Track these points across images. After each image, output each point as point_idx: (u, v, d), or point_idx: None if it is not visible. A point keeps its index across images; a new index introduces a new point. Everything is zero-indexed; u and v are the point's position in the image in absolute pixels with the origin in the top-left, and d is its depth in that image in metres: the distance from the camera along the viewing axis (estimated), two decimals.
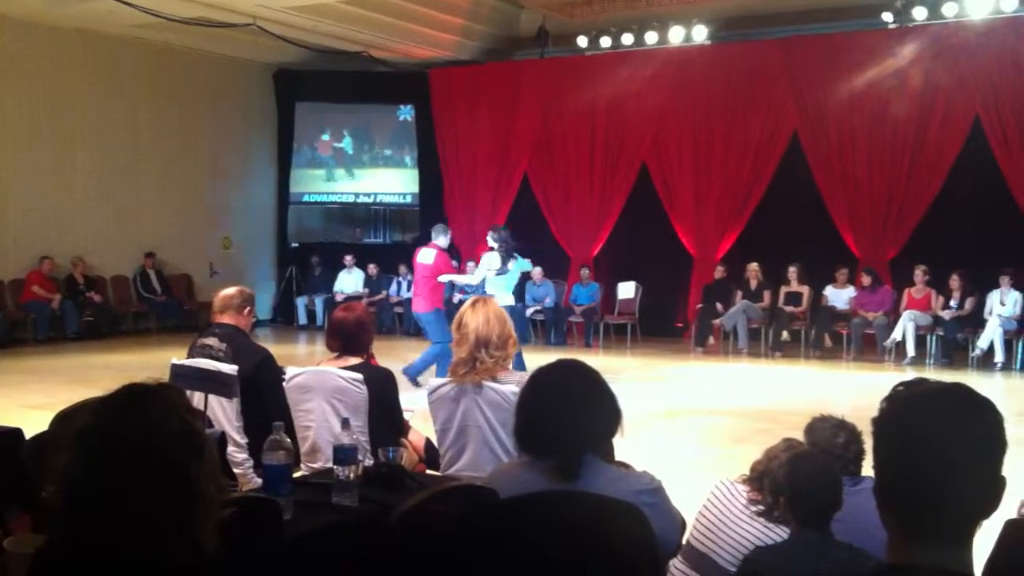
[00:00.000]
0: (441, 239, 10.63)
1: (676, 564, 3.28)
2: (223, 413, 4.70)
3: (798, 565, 2.96)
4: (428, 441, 4.61)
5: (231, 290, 5.08)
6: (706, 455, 7.26)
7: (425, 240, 11.02)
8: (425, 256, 10.46)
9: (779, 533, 3.42)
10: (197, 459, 1.75)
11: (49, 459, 2.30)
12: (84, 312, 14.61)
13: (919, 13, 13.38)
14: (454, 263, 12.23)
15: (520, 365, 9.42)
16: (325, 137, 17.98)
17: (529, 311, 15.02)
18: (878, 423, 1.65)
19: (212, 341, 4.85)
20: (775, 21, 14.58)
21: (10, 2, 12.92)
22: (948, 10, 13.22)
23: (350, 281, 16.63)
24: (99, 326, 14.75)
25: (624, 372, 11.57)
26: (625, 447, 2.96)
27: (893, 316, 13.02)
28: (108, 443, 1.72)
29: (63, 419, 3.42)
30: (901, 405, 1.63)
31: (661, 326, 15.26)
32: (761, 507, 3.44)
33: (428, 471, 4.41)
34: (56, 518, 1.74)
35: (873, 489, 1.65)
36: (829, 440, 3.45)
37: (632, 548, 2.41)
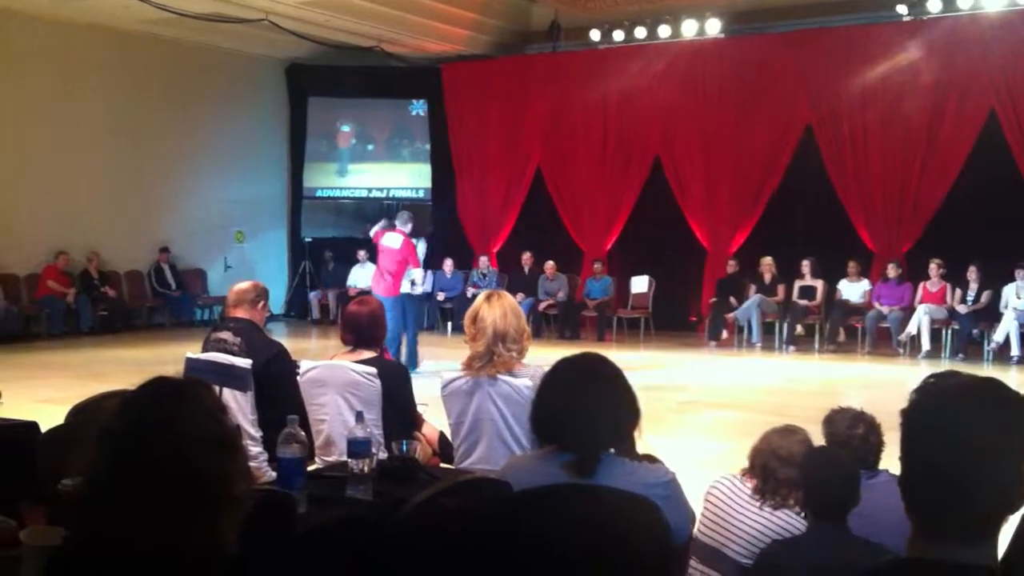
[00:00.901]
0: (408, 225, 10.75)
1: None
2: (237, 407, 4.71)
3: (815, 558, 2.95)
4: (442, 434, 4.61)
5: (245, 284, 5.09)
6: (718, 449, 7.25)
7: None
8: (392, 240, 10.58)
9: (789, 520, 3.42)
10: (229, 458, 1.71)
11: (69, 452, 2.30)
12: (98, 307, 14.67)
13: (934, 5, 13.29)
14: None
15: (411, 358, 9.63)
16: (338, 132, 17.99)
17: (542, 305, 15.02)
18: (907, 414, 1.63)
19: (226, 335, 4.86)
20: (788, 14, 14.51)
21: None
22: (963, 2, 13.14)
23: (363, 275, 16.61)
24: (113, 321, 14.80)
25: (637, 366, 11.55)
26: (637, 441, 2.95)
27: (907, 310, 12.97)
28: (137, 441, 1.68)
29: (78, 412, 3.44)
30: (932, 397, 1.62)
31: (674, 320, 15.23)
32: (762, 495, 3.44)
33: (442, 464, 4.40)
34: (77, 512, 1.72)
35: (898, 481, 1.64)
36: (847, 431, 3.44)
37: (645, 541, 2.40)
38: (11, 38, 13.86)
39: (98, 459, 1.68)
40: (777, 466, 3.46)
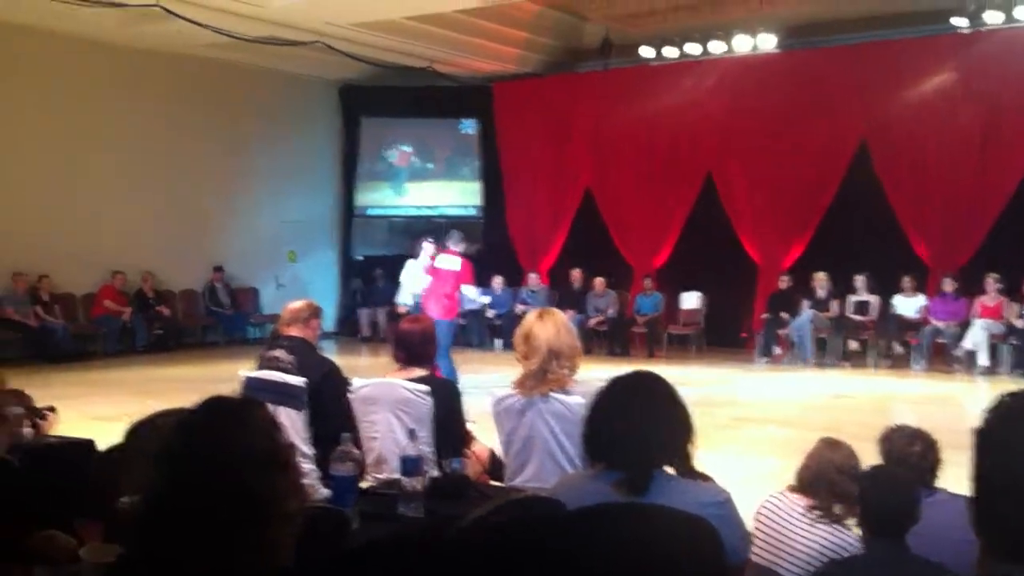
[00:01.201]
0: (460, 245, 10.70)
1: None
2: (291, 425, 4.74)
3: None
4: (492, 452, 4.60)
5: (299, 303, 5.13)
6: (770, 466, 7.16)
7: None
8: (450, 263, 10.50)
9: (843, 536, 3.38)
10: (282, 477, 1.73)
11: (126, 470, 2.33)
12: (153, 325, 14.89)
13: (991, 17, 13.09)
14: None
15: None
16: (390, 151, 18.13)
17: (591, 322, 14.97)
18: (981, 433, 1.59)
19: (280, 353, 4.90)
20: (842, 29, 14.37)
21: (85, 24, 13.24)
22: (1021, 13, 12.92)
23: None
24: (168, 339, 15.02)
25: (688, 383, 11.46)
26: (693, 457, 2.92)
27: (963, 325, 12.74)
28: (192, 461, 1.70)
29: (135, 430, 3.48)
30: (1006, 416, 1.58)
31: (725, 336, 15.10)
32: (820, 512, 3.40)
33: (492, 482, 4.40)
34: (132, 530, 1.73)
35: (969, 500, 1.61)
36: (904, 449, 3.39)
37: (699, 561, 2.37)
38: (72, 64, 14.19)
39: (154, 478, 1.71)
40: (841, 480, 3.42)
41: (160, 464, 1.72)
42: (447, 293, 10.42)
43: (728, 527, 2.51)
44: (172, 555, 1.65)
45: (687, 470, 2.72)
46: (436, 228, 18.24)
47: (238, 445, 1.71)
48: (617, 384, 2.74)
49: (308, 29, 13.93)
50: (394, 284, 16.77)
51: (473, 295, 11.44)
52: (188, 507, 1.67)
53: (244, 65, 15.92)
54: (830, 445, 3.56)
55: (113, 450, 3.42)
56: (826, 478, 3.45)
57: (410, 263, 11.69)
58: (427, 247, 11.18)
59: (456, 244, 10.72)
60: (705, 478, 2.94)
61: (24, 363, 12.51)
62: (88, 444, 4.09)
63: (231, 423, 1.75)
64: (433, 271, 10.66)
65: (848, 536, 3.42)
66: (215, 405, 1.81)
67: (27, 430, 4.13)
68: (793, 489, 3.57)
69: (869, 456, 3.41)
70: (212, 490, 1.67)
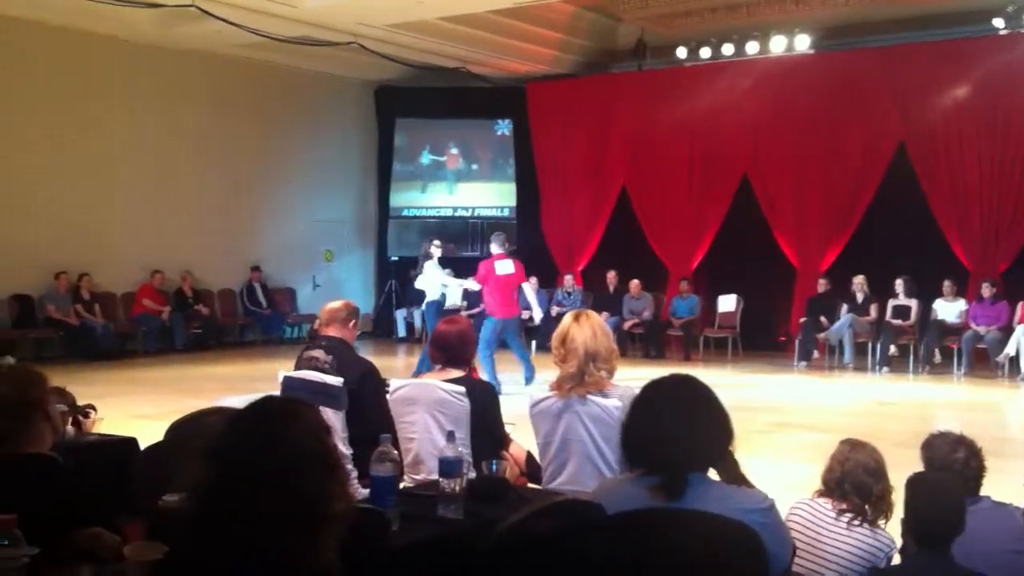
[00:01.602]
0: (505, 246, 11.07)
1: None
2: (330, 424, 4.76)
3: None
4: (529, 454, 4.59)
5: (337, 303, 5.15)
6: (810, 473, 7.08)
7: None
8: (507, 267, 10.87)
9: (882, 538, 3.35)
10: (330, 478, 1.74)
11: (169, 468, 2.34)
12: (192, 324, 15.02)
13: None
14: None
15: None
16: (425, 152, 18.18)
17: (627, 324, 14.92)
18: None
19: (318, 353, 4.93)
20: (879, 29, 14.25)
21: (122, 24, 13.39)
22: None
23: (448, 294, 16.70)
24: (206, 338, 15.16)
25: (724, 387, 11.38)
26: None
27: (1005, 331, 12.57)
28: (244, 460, 1.71)
29: (177, 429, 3.51)
30: None
31: (763, 340, 15.00)
32: (851, 514, 3.37)
33: (529, 484, 4.39)
34: (182, 527, 1.75)
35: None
36: (947, 456, 3.34)
37: (740, 567, 2.35)
38: (111, 65, 14.35)
39: (204, 475, 1.72)
40: (872, 482, 3.40)
41: (211, 461, 1.73)
42: (509, 296, 10.89)
43: (772, 535, 2.48)
44: (220, 553, 1.66)
45: (732, 475, 2.69)
46: (471, 229, 18.35)
47: (289, 445, 1.72)
48: (654, 387, 2.72)
49: (342, 30, 14.00)
50: None
51: (532, 297, 11.90)
52: (237, 504, 1.68)
53: (280, 65, 16.03)
54: (854, 446, 3.54)
55: (156, 448, 3.45)
56: (853, 479, 3.42)
57: (429, 267, 11.82)
58: (435, 250, 11.79)
59: (502, 246, 10.99)
60: (749, 484, 2.92)
61: (65, 361, 12.70)
62: (131, 442, 4.12)
63: (282, 423, 1.76)
64: (495, 279, 10.90)
65: (884, 537, 3.39)
66: (266, 405, 1.82)
67: (69, 428, 4.17)
68: (820, 494, 3.54)
69: (912, 463, 3.36)
70: (262, 488, 1.68)
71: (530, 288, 11.98)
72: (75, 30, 13.65)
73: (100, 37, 14.00)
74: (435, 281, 11.82)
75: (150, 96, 14.83)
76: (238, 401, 2.26)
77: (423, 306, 11.96)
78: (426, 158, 18.22)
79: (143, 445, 3.88)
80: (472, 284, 11.86)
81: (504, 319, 10.87)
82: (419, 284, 12.06)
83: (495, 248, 11.01)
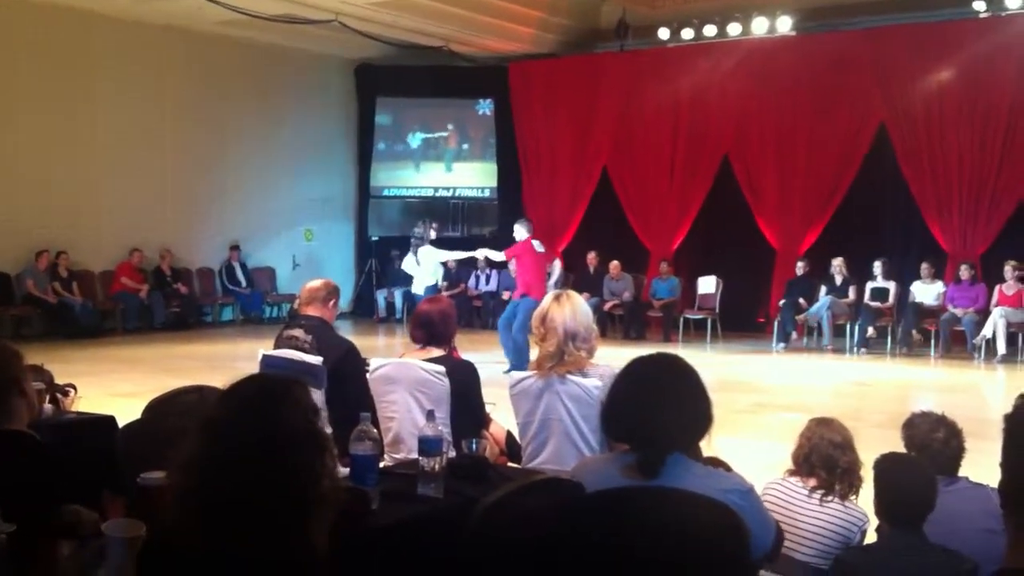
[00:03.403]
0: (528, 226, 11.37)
1: None
2: None
3: (890, 567, 2.90)
4: (509, 434, 4.61)
5: (317, 282, 5.13)
6: (788, 453, 7.13)
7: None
8: (541, 246, 11.34)
9: (854, 512, 3.39)
10: (320, 459, 1.73)
11: (149, 446, 2.34)
12: (171, 303, 14.96)
13: (1012, 1, 12.97)
14: None
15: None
16: (406, 131, 18.11)
17: (607, 305, 14.95)
18: (1012, 419, 1.57)
19: (298, 332, 4.92)
20: (861, 11, 14.27)
21: (104, 1, 13.26)
22: None
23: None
24: (185, 317, 15.10)
25: (704, 368, 11.42)
26: (705, 447, 2.90)
27: (982, 313, 12.68)
28: (237, 437, 1.70)
29: (155, 407, 3.50)
30: None
31: (742, 321, 15.06)
32: (823, 490, 3.41)
33: (510, 464, 4.40)
34: (170, 503, 1.73)
35: (999, 487, 1.58)
36: (927, 436, 3.38)
37: (721, 545, 2.36)
38: (89, 39, 14.21)
39: (198, 449, 1.71)
40: (838, 455, 3.44)
41: (203, 436, 1.72)
42: (545, 275, 11.35)
43: (750, 517, 2.48)
44: (208, 531, 1.66)
45: (697, 458, 2.70)
46: (453, 210, 18.32)
47: (280, 423, 1.72)
48: (636, 365, 2.72)
49: (324, 8, 13.91)
50: None
51: (558, 275, 12.81)
52: (228, 481, 1.67)
53: (261, 43, 15.92)
54: (821, 423, 3.58)
55: (135, 426, 3.44)
56: (819, 453, 3.47)
57: (427, 250, 11.90)
58: (432, 232, 12.24)
59: (528, 231, 11.21)
60: (725, 467, 2.93)
61: (44, 339, 12.64)
62: (109, 420, 4.10)
63: (275, 400, 1.75)
64: (535, 257, 11.14)
65: (856, 511, 3.43)
66: (258, 382, 1.81)
67: (48, 406, 4.15)
68: (791, 472, 3.57)
69: (891, 444, 3.39)
70: (253, 465, 1.67)
71: (558, 264, 13.01)
72: (56, 6, 13.50)
73: (81, 13, 13.86)
74: (435, 261, 12.06)
75: (131, 73, 14.69)
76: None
77: (421, 291, 11.84)
78: (418, 138, 18.11)
79: (122, 424, 3.87)
80: (497, 255, 12.00)
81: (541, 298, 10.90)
82: (409, 268, 12.08)
83: (525, 232, 11.15)
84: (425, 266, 11.95)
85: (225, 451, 1.70)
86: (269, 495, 1.67)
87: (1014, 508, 1.55)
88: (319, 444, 1.75)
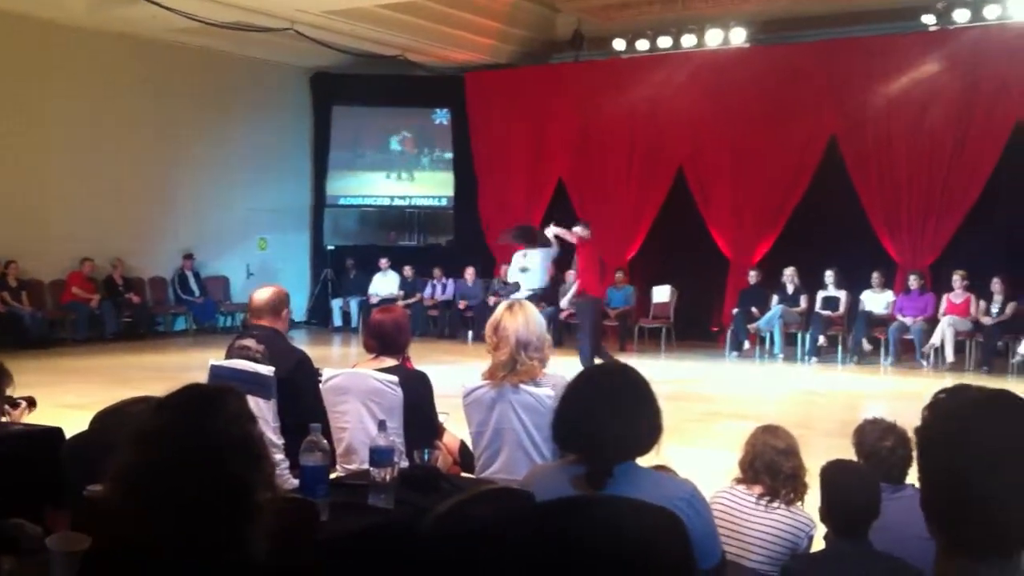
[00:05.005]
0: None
1: None
2: (260, 414, 4.71)
3: (837, 574, 2.93)
4: (462, 443, 4.61)
5: (267, 292, 5.07)
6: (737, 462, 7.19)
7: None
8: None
9: (800, 517, 3.43)
10: (255, 468, 1.73)
11: (95, 458, 2.31)
12: (123, 313, 14.77)
13: (960, 15, 13.22)
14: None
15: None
16: (362, 140, 18.05)
17: (564, 314, 14.97)
18: (921, 433, 1.57)
19: (250, 342, 4.87)
20: (813, 24, 14.46)
21: (54, 7, 13.10)
22: (990, 12, 13.05)
23: (385, 283, 16.68)
24: (137, 327, 14.92)
25: (658, 376, 11.50)
26: (654, 455, 2.91)
27: (931, 322, 12.88)
28: (170, 446, 1.70)
29: (103, 418, 3.46)
30: (944, 413, 1.54)
31: (696, 330, 15.17)
32: (769, 497, 3.45)
33: (463, 474, 4.41)
34: (107, 515, 1.73)
35: (920, 502, 1.58)
36: (876, 443, 3.43)
37: (666, 552, 2.38)
38: (43, 47, 14.02)
39: (131, 460, 1.70)
40: (782, 460, 3.48)
41: (134, 445, 1.72)
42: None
43: (696, 523, 2.50)
44: (145, 540, 1.65)
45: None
46: (408, 219, 18.29)
47: (214, 430, 1.72)
48: (588, 375, 2.74)
49: (279, 16, 13.84)
50: (366, 274, 16.80)
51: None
52: (161, 490, 1.67)
53: (215, 51, 15.80)
54: (766, 430, 3.62)
55: (81, 438, 3.40)
56: (763, 459, 3.50)
57: (536, 253, 12.30)
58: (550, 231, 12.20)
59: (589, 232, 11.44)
60: (666, 470, 2.96)
61: None
62: (56, 432, 4.04)
63: (207, 409, 1.75)
64: (595, 261, 11.44)
65: (802, 517, 3.47)
66: (192, 391, 1.81)
67: None
68: (739, 481, 3.61)
69: (841, 452, 3.44)
70: (185, 473, 1.67)
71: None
72: (10, 13, 13.31)
73: (35, 20, 13.68)
74: (545, 254, 12.61)
75: (83, 81, 14.52)
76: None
77: (536, 284, 12.87)
78: (374, 147, 18.04)
79: (69, 435, 3.82)
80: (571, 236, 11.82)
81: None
82: (514, 275, 12.47)
83: (586, 233, 11.33)
84: (534, 267, 12.13)
85: (158, 461, 1.69)
86: (203, 503, 1.67)
87: (934, 519, 1.54)
88: (254, 452, 1.75)
